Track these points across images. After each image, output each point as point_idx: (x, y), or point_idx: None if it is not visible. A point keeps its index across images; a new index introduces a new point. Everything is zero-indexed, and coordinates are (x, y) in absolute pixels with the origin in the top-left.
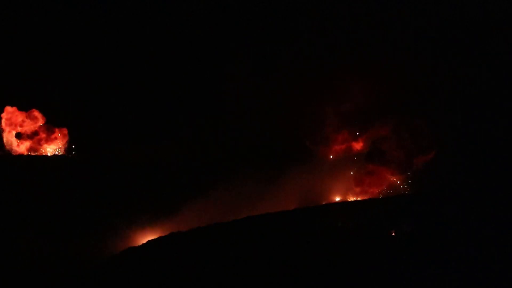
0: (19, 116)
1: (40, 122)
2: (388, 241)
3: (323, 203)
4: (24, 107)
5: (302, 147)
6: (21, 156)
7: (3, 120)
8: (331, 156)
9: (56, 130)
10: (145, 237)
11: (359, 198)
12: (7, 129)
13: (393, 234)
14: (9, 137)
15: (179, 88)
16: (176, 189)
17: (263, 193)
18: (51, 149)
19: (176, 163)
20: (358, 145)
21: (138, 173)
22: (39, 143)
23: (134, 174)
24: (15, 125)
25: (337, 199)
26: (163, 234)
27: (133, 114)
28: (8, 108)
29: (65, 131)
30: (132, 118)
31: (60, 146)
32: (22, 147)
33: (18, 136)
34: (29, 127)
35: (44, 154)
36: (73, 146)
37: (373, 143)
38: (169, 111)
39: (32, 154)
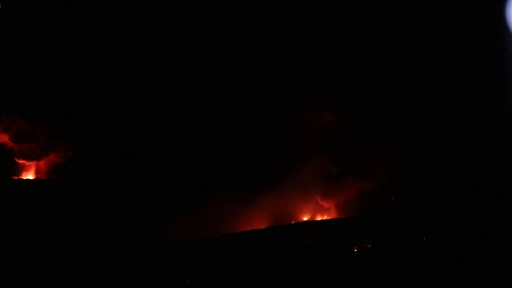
0: (22, 127)
1: (46, 133)
2: (350, 257)
3: (292, 222)
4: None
5: (275, 170)
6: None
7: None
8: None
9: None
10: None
11: (325, 217)
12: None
13: (355, 250)
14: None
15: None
16: (151, 210)
17: (238, 214)
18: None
19: (151, 182)
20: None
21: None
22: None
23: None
24: (20, 141)
25: (305, 218)
26: (138, 254)
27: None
28: (7, 118)
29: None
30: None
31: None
32: (28, 173)
33: (21, 155)
34: (34, 143)
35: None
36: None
37: (332, 156)
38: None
39: (41, 178)
